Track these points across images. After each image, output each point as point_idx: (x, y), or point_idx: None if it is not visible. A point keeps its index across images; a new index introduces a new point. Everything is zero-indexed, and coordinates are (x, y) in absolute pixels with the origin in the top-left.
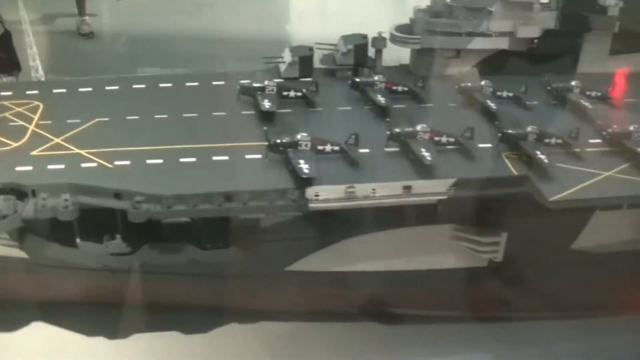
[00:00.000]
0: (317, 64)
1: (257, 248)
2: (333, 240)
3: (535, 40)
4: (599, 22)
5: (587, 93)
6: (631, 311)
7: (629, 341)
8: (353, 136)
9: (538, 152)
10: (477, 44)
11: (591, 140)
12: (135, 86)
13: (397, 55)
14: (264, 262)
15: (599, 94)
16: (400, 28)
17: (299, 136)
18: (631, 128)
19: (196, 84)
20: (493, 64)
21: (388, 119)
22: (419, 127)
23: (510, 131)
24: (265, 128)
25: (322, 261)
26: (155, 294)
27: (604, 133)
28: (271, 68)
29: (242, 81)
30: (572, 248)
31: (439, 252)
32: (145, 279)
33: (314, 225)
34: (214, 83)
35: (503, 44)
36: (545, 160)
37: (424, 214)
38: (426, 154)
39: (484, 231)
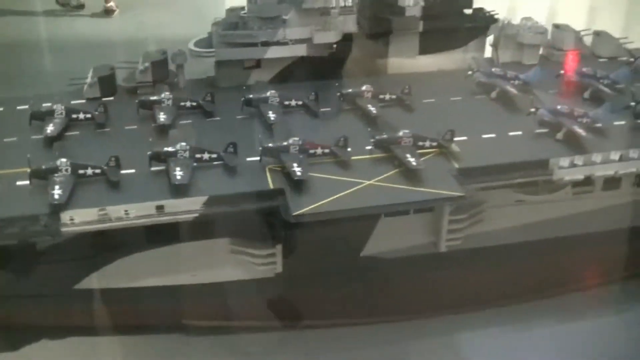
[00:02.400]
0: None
1: (38, 269)
2: (116, 257)
3: (335, 45)
4: (401, 23)
5: (381, 96)
6: (422, 315)
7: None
8: (231, 146)
9: (295, 164)
10: (274, 52)
11: (368, 147)
12: None
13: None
14: (50, 282)
15: (393, 96)
16: (200, 42)
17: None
18: (400, 134)
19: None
20: (296, 71)
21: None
22: (178, 146)
23: (269, 145)
24: (28, 155)
25: (110, 278)
26: None
27: (372, 140)
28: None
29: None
30: (363, 255)
31: (223, 265)
32: None
33: (93, 244)
34: (19, 107)
35: (301, 51)
36: (298, 173)
37: (201, 229)
38: (178, 173)
39: (258, 244)
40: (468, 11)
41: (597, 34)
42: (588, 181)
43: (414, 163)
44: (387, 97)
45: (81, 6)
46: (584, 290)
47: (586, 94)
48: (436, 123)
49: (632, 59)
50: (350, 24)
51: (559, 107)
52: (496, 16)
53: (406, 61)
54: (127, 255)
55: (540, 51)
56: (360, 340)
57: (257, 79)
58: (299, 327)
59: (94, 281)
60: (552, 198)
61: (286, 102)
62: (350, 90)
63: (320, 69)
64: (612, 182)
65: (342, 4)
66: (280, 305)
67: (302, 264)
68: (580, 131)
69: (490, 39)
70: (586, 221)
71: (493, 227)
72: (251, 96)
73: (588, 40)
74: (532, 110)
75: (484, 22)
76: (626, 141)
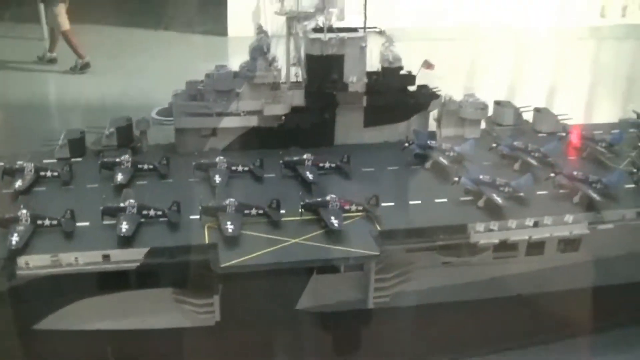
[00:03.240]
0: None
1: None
2: (69, 301)
3: (283, 117)
4: (346, 97)
5: (320, 164)
6: None
7: None
8: (175, 204)
9: (228, 222)
10: (228, 122)
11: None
12: None
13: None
14: (8, 322)
15: (332, 165)
16: (162, 111)
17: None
18: (327, 198)
19: None
20: (249, 140)
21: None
22: (127, 203)
23: (209, 204)
24: None
25: (66, 320)
26: None
27: (301, 203)
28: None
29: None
30: (298, 308)
31: (168, 312)
32: None
33: (52, 288)
34: None
35: (252, 121)
36: (229, 230)
37: (147, 278)
38: (124, 226)
39: (198, 294)
40: (413, 88)
41: (538, 110)
42: (513, 246)
43: (336, 225)
44: (327, 165)
45: (53, 60)
46: (506, 350)
47: (516, 166)
48: (370, 189)
49: (563, 134)
50: (298, 98)
51: (481, 176)
52: (438, 92)
53: (352, 133)
54: (85, 298)
55: (483, 126)
56: None
57: (212, 146)
58: None
59: (52, 322)
60: (474, 261)
61: (233, 168)
62: (292, 158)
63: (271, 139)
64: (536, 248)
65: (292, 79)
66: (219, 351)
67: (239, 314)
68: (498, 199)
69: (434, 113)
70: (509, 284)
71: (420, 287)
72: (202, 161)
73: (530, 115)
74: (456, 179)
75: (425, 98)
76: (547, 209)
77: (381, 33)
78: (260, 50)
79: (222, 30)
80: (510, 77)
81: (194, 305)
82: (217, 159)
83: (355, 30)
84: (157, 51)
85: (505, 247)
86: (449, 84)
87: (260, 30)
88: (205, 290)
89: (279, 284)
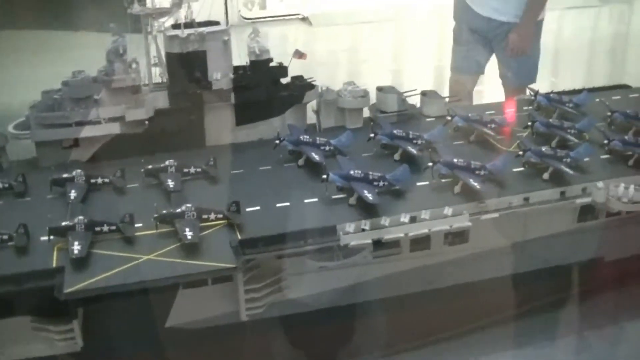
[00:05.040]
0: None
1: None
2: None
3: (147, 122)
4: (211, 96)
5: (185, 170)
6: None
7: None
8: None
9: (75, 243)
10: (88, 132)
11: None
12: None
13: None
14: None
15: (198, 169)
16: (19, 125)
17: None
18: (183, 208)
19: None
20: (114, 149)
21: None
22: None
23: (59, 224)
24: None
25: None
26: None
27: (155, 215)
28: None
29: None
30: (168, 326)
31: (28, 342)
32: None
33: None
34: None
35: (114, 129)
36: (75, 252)
37: (3, 308)
38: None
39: (56, 320)
40: (287, 80)
41: (424, 94)
42: (394, 244)
43: (189, 237)
44: (192, 170)
45: None
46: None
47: (396, 156)
48: (237, 193)
49: (449, 117)
50: (161, 100)
51: (351, 172)
52: (314, 83)
53: (224, 133)
54: None
55: (368, 114)
56: None
57: (76, 157)
58: None
59: None
60: (353, 263)
61: (92, 181)
62: (153, 165)
63: (137, 146)
64: (421, 243)
65: (158, 80)
66: None
67: (103, 337)
68: (369, 195)
69: (313, 105)
70: (397, 283)
71: (297, 295)
72: (59, 176)
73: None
74: (324, 177)
75: (299, 90)
76: (426, 201)
77: (304, 20)
78: (116, 52)
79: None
80: (415, 60)
81: (53, 332)
82: (74, 172)
83: (217, 23)
84: (52, 55)
85: (384, 246)
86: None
87: (114, 32)
88: (63, 316)
89: (145, 302)
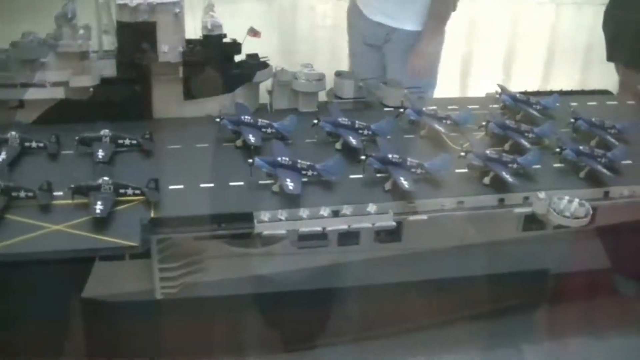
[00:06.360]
0: None
1: None
2: None
3: (91, 89)
4: (159, 68)
5: (119, 141)
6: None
7: None
8: None
9: None
10: (32, 94)
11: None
12: None
13: None
14: None
15: (133, 142)
16: None
17: None
18: (99, 181)
19: None
20: (59, 113)
21: None
22: None
23: None
24: None
25: None
26: None
27: (71, 186)
28: None
29: None
30: (85, 297)
31: None
32: None
33: None
34: None
35: (59, 93)
36: None
37: None
38: None
39: None
40: (241, 57)
41: (384, 82)
42: (322, 235)
43: (98, 211)
44: (127, 142)
45: None
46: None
47: (338, 145)
48: (168, 169)
49: (401, 109)
50: (109, 69)
51: (279, 158)
52: (268, 62)
53: (172, 106)
54: None
55: (325, 98)
56: None
57: (21, 119)
58: None
59: None
60: (270, 252)
61: (26, 144)
62: (87, 134)
63: (83, 112)
64: (350, 238)
65: (105, 47)
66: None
67: (15, 305)
68: (290, 185)
69: (268, 85)
70: (319, 277)
71: (213, 278)
72: None
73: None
74: (250, 161)
75: (250, 68)
76: (359, 196)
77: None
78: (64, 16)
79: None
80: None
81: None
82: (8, 135)
83: None
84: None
85: (310, 237)
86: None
87: None
88: None
89: (61, 271)
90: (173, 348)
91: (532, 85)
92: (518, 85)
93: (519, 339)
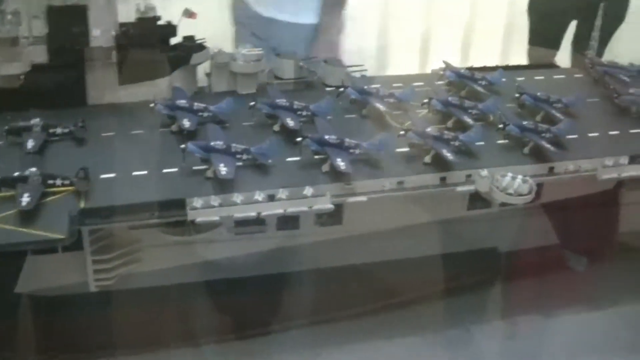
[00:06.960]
0: None
1: None
2: None
3: (22, 77)
4: (91, 53)
5: (51, 130)
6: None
7: None
8: None
9: None
10: None
11: None
12: None
13: None
14: None
15: (65, 130)
16: None
17: None
18: (27, 172)
19: None
20: None
21: None
22: None
23: None
24: None
25: None
26: None
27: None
28: None
29: None
30: (18, 291)
31: None
32: None
33: None
34: None
35: None
36: None
37: None
38: None
39: None
40: (178, 40)
41: (326, 61)
42: (259, 221)
43: (24, 203)
44: (59, 131)
45: None
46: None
47: (276, 127)
48: (100, 158)
49: (341, 89)
50: (40, 55)
51: (212, 143)
52: (204, 44)
53: (107, 92)
54: None
55: (267, 79)
56: None
57: None
58: None
59: None
60: (204, 239)
61: None
62: (17, 123)
63: (13, 101)
64: (288, 222)
65: (35, 33)
66: None
67: None
68: (223, 169)
69: (206, 67)
70: (258, 262)
71: (151, 268)
72: None
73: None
74: (182, 146)
75: (186, 51)
76: (295, 179)
77: None
78: None
79: None
80: None
81: None
82: None
83: None
84: None
85: (247, 223)
86: None
87: None
88: None
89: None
90: (112, 341)
91: (493, 61)
92: (477, 61)
93: (468, 319)
